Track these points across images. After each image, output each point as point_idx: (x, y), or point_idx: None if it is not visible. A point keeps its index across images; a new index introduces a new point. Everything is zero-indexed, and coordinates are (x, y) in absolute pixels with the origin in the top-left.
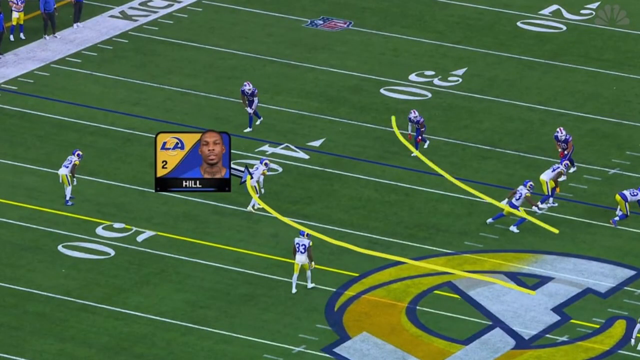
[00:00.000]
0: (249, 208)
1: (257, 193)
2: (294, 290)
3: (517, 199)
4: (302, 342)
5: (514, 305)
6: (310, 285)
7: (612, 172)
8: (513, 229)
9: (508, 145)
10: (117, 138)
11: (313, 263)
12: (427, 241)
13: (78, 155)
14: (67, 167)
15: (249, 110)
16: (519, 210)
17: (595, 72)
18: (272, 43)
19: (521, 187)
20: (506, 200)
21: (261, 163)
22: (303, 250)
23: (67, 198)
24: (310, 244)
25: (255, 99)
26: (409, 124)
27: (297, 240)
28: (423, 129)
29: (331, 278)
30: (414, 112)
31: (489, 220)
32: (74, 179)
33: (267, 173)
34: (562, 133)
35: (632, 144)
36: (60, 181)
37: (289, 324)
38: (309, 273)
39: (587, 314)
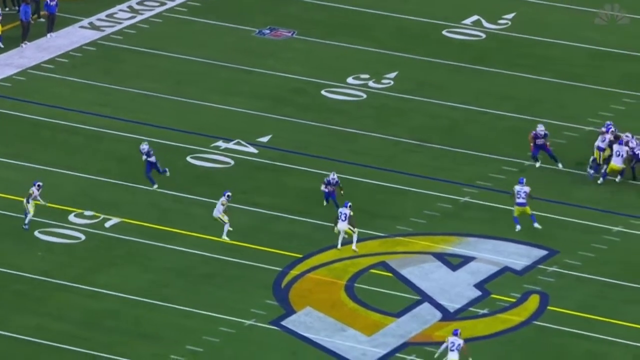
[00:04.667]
0: (224, 236)
1: (224, 222)
2: (339, 247)
3: (523, 197)
4: (253, 316)
5: (440, 282)
6: (354, 247)
7: (527, 164)
8: (536, 225)
9: (435, 141)
10: (88, 136)
11: (356, 229)
12: (364, 225)
13: (38, 186)
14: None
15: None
16: (527, 206)
17: (513, 75)
18: (225, 50)
19: (517, 186)
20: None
21: (224, 195)
22: (344, 219)
23: (26, 223)
24: (351, 213)
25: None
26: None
27: (340, 209)
28: (342, 192)
29: (278, 259)
30: (333, 174)
31: (535, 224)
32: (34, 205)
33: (226, 205)
34: (541, 128)
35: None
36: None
37: (241, 300)
38: (355, 237)
39: (505, 289)
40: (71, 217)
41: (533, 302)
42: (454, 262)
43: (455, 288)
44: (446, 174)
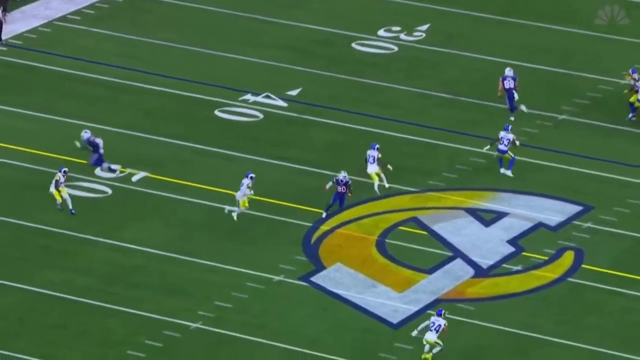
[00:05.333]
0: (232, 212)
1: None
2: (387, 186)
3: (505, 145)
4: (281, 272)
5: (473, 238)
6: (386, 184)
7: (561, 118)
8: (507, 172)
9: (467, 94)
10: (113, 88)
11: (389, 166)
12: (394, 180)
13: (64, 172)
14: (54, 185)
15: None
16: (507, 153)
17: (546, 27)
18: (251, 1)
19: (502, 132)
20: (487, 147)
21: (247, 177)
22: (372, 161)
23: (70, 208)
24: (379, 155)
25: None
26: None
27: (368, 152)
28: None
29: (307, 214)
30: (343, 173)
31: (502, 170)
32: (65, 193)
33: (248, 190)
34: (509, 72)
35: (578, 92)
36: (53, 197)
37: (269, 255)
38: (382, 176)
39: (539, 245)
40: (97, 171)
41: (567, 258)
42: (487, 218)
43: (488, 244)
44: (479, 129)
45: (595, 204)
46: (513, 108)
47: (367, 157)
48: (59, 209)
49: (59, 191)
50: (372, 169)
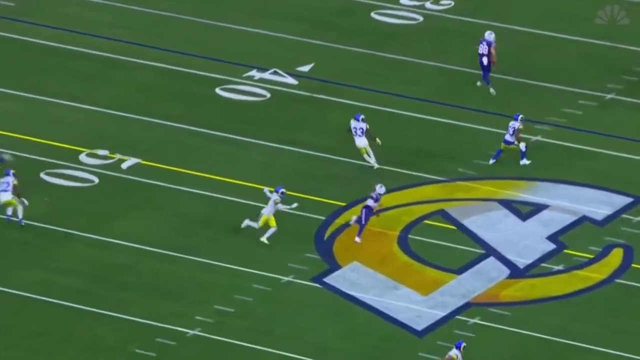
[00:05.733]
0: (263, 239)
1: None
2: (375, 166)
3: (510, 134)
4: (291, 272)
5: (508, 233)
6: (375, 165)
7: (608, 98)
8: (524, 162)
9: (500, 70)
10: (102, 63)
11: (378, 140)
12: (418, 168)
13: (13, 175)
14: (7, 190)
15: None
16: (514, 144)
17: None
18: None
19: (512, 122)
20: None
21: (276, 191)
22: (361, 134)
23: (20, 218)
24: (367, 127)
25: None
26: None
27: (353, 124)
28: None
29: (320, 206)
30: (380, 187)
31: (491, 160)
32: (22, 200)
33: (280, 206)
34: (490, 36)
35: (626, 68)
36: (4, 205)
37: (277, 253)
38: (370, 153)
39: (583, 242)
40: (82, 157)
41: (615, 257)
42: (524, 211)
43: (525, 240)
44: (514, 109)
45: None
46: (485, 75)
47: (353, 129)
48: (8, 222)
49: (13, 197)
50: (361, 142)
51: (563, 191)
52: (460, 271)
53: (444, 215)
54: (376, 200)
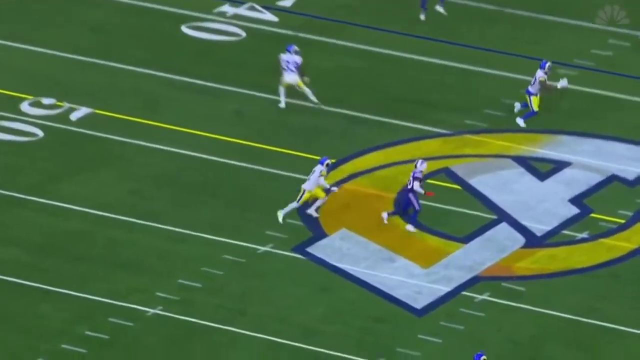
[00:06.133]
0: (311, 210)
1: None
2: (282, 105)
3: (532, 84)
4: (268, 241)
5: (524, 195)
6: (314, 99)
7: None
8: (520, 121)
9: (518, 5)
10: None
11: (307, 78)
12: (420, 119)
13: None
14: None
15: None
16: (535, 95)
17: None
18: None
19: (538, 70)
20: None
21: (321, 163)
22: (293, 69)
23: None
24: (301, 61)
25: None
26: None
27: (284, 57)
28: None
29: (303, 163)
30: (422, 162)
31: (520, 122)
32: None
33: (322, 181)
34: None
35: None
36: None
37: (253, 218)
38: (306, 89)
39: (611, 205)
40: (24, 106)
41: None
42: (543, 169)
43: (543, 204)
44: (532, 49)
45: None
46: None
47: (284, 62)
48: None
49: None
50: (292, 78)
51: (589, 146)
52: (467, 240)
53: (449, 174)
54: (415, 178)
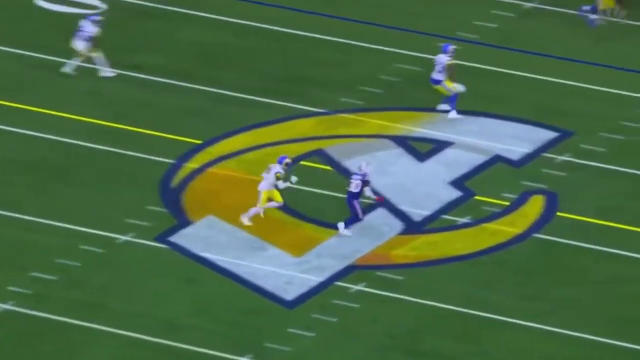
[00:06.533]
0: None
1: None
2: (67, 69)
3: (438, 71)
4: (129, 229)
5: (402, 178)
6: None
7: (528, 6)
8: (452, 115)
9: None
10: None
11: (95, 54)
12: (292, 97)
13: None
14: None
15: None
16: (442, 84)
17: None
18: None
19: (440, 55)
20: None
21: (279, 162)
22: (86, 39)
23: None
24: (97, 33)
25: None
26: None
27: (82, 22)
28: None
29: (166, 145)
30: (364, 165)
31: (452, 115)
32: None
33: (280, 183)
34: None
35: None
36: None
37: (112, 205)
38: (96, 59)
39: (495, 188)
40: None
41: (535, 205)
42: (422, 150)
43: (423, 187)
44: (412, 22)
45: (576, 128)
46: None
47: (79, 27)
48: None
49: None
50: (80, 45)
51: (471, 124)
52: (342, 226)
53: (323, 156)
54: (363, 184)
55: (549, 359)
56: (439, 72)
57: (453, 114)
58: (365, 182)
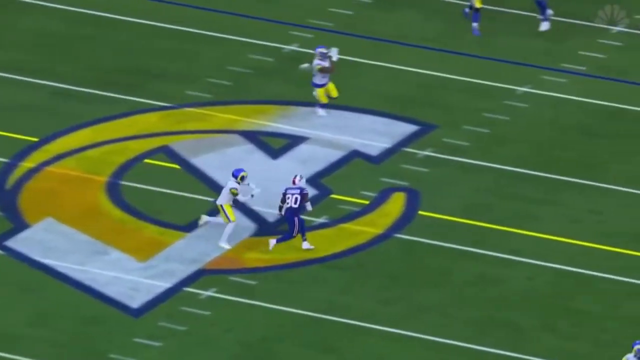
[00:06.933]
0: (221, 243)
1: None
2: None
3: (315, 75)
4: None
5: (254, 176)
6: None
7: None
8: (320, 111)
9: None
10: None
11: None
12: (135, 91)
13: None
14: None
15: None
16: (324, 85)
17: None
18: None
19: (320, 52)
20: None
21: (234, 176)
22: None
23: None
24: None
25: None
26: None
27: None
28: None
29: (1, 144)
30: (300, 178)
31: (320, 110)
32: None
33: (241, 197)
34: None
35: None
36: None
37: None
38: None
39: (353, 185)
40: None
41: (396, 204)
42: (275, 145)
43: (276, 185)
44: (263, 9)
45: (439, 122)
46: None
47: None
48: None
49: None
50: None
51: (327, 119)
52: (190, 228)
53: (169, 153)
54: (302, 197)
55: None
56: (314, 75)
57: (321, 111)
58: (303, 196)
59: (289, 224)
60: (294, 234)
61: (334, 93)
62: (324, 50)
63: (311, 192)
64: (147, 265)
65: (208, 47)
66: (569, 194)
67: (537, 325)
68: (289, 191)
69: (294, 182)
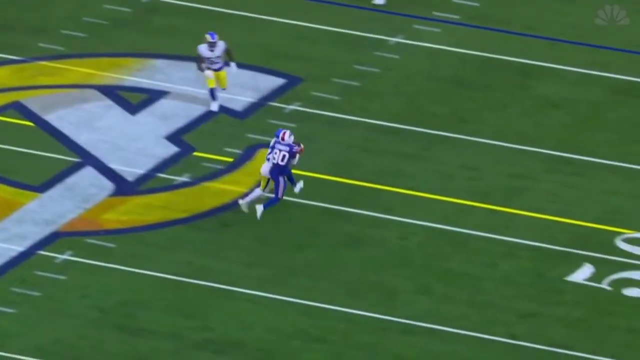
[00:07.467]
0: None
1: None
2: None
3: (217, 55)
4: None
5: (111, 133)
6: None
7: None
8: (214, 106)
9: None
10: None
11: None
12: None
13: None
14: None
15: None
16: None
17: None
18: None
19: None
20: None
21: (277, 135)
22: None
23: None
24: None
25: None
26: None
27: None
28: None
29: None
30: (289, 134)
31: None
32: None
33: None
34: None
35: None
36: None
37: None
38: None
39: (217, 142)
40: None
41: (262, 161)
42: (134, 101)
43: (135, 142)
44: None
45: (305, 75)
46: None
47: None
48: None
49: None
50: None
51: (189, 72)
52: (43, 188)
53: (20, 109)
54: (291, 156)
55: (276, 331)
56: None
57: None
58: (292, 154)
59: (275, 184)
60: (280, 196)
61: (223, 84)
62: (212, 40)
63: (172, 150)
64: None
65: None
66: (442, 149)
67: (411, 287)
68: (277, 146)
69: (282, 138)
